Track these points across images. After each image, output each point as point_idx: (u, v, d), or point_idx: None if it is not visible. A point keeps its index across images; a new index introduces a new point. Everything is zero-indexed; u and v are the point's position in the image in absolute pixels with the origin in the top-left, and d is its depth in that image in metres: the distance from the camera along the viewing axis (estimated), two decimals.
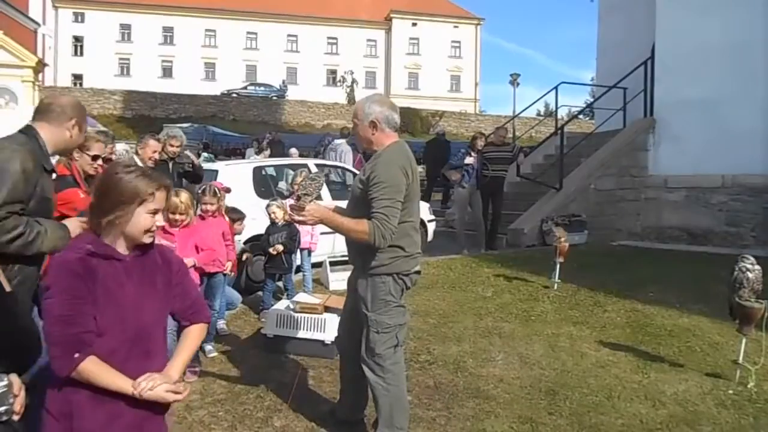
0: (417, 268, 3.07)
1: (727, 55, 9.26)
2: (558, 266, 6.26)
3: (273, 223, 5.58)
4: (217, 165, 8.08)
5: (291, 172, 7.70)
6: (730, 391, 3.81)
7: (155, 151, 5.30)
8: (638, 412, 3.55)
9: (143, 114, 34.35)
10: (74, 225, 2.50)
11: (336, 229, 2.95)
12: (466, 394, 3.80)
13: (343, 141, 11.55)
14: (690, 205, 9.83)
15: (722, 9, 9.46)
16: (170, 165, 5.86)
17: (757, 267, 3.91)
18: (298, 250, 5.88)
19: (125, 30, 50.93)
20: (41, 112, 2.56)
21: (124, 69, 50.73)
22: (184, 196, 4.09)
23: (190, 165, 6.16)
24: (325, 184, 7.65)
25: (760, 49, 9.07)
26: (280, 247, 5.40)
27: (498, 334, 4.93)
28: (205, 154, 16.87)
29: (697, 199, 9.76)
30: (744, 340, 3.94)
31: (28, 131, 2.50)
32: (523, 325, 5.18)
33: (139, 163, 5.20)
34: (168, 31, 51.77)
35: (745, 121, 9.07)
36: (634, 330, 5.08)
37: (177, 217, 4.02)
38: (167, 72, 51.28)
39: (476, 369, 4.20)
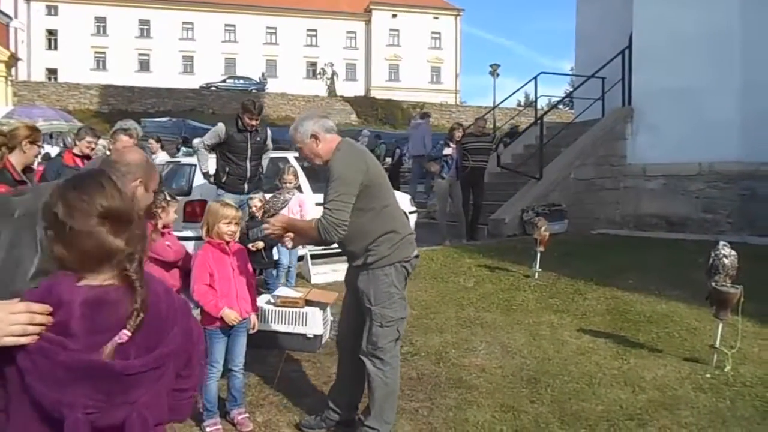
0: (416, 253, 3.11)
1: (703, 44, 9.36)
2: (538, 255, 6.31)
3: (252, 217, 5.50)
4: (196, 159, 7.97)
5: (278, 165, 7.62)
6: (708, 375, 3.87)
7: (126, 147, 5.18)
8: (618, 397, 3.59)
9: (120, 109, 33.82)
10: None
11: (297, 233, 3.07)
12: (449, 384, 3.82)
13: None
14: (667, 193, 9.95)
15: None
16: None
17: (733, 253, 3.97)
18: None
19: (100, 23, 50.10)
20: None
21: (100, 63, 49.95)
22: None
23: None
24: (305, 177, 7.63)
25: (737, 39, 9.18)
26: (261, 244, 5.30)
27: (480, 324, 4.96)
28: (184, 148, 16.69)
29: (674, 187, 9.89)
30: (720, 325, 4.01)
31: None
32: (505, 315, 5.21)
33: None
34: (144, 24, 51.04)
35: (721, 110, 9.18)
36: (614, 317, 5.14)
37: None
38: (144, 66, 50.59)
39: (458, 359, 4.22)
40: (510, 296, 5.76)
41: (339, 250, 6.96)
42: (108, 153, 5.19)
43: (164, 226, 3.74)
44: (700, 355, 4.19)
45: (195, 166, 7.08)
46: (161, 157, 9.73)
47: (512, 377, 3.91)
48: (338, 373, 3.38)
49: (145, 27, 51.04)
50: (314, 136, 2.98)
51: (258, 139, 6.15)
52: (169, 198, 3.82)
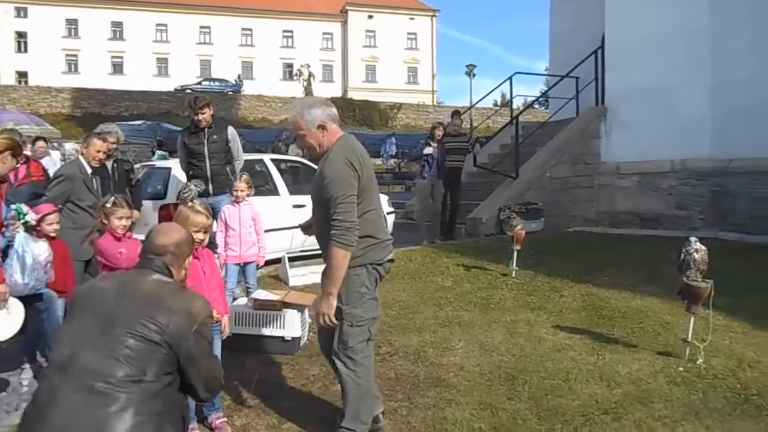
0: (390, 257, 3.10)
1: (674, 43, 9.53)
2: (515, 254, 6.36)
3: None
4: (171, 162, 7.89)
5: (254, 168, 7.54)
6: (681, 369, 3.94)
7: (99, 151, 5.11)
8: (594, 392, 3.64)
9: (94, 112, 33.35)
10: None
11: (337, 279, 2.85)
12: (427, 383, 3.83)
13: None
14: (641, 190, 10.11)
15: None
16: (110, 165, 5.62)
17: (703, 248, 4.05)
18: (245, 264, 5.37)
19: (72, 25, 49.34)
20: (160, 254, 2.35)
21: (72, 66, 49.18)
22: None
23: (128, 167, 5.99)
24: (281, 180, 7.60)
25: (707, 38, 9.35)
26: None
27: (458, 323, 4.98)
28: (159, 152, 16.51)
29: (647, 184, 10.05)
30: (692, 319, 4.08)
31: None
32: (483, 313, 5.25)
33: (84, 164, 5.03)
34: (117, 26, 50.39)
35: (693, 108, 9.36)
36: (590, 313, 5.20)
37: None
38: (118, 68, 49.93)
39: (437, 358, 4.24)
40: (488, 295, 5.80)
41: (317, 252, 6.95)
42: (81, 156, 5.12)
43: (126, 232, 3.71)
44: (673, 348, 4.26)
45: (170, 169, 7.03)
46: (53, 157, 10.17)
47: (490, 375, 3.93)
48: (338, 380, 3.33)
49: (118, 29, 50.38)
50: (322, 126, 2.93)
51: (215, 137, 5.96)
52: (116, 201, 3.76)
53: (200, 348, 2.15)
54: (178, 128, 25.11)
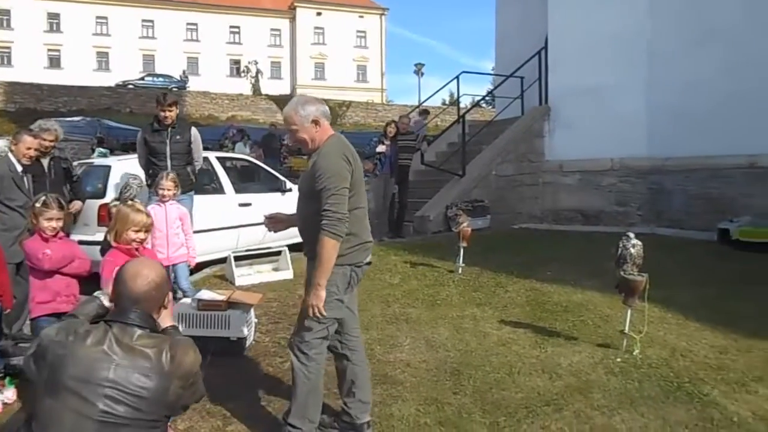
0: (368, 259, 3.14)
1: (613, 45, 9.86)
2: (462, 251, 6.45)
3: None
4: (110, 160, 7.64)
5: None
6: (618, 359, 4.08)
7: (29, 148, 4.89)
8: (536, 385, 3.73)
9: (28, 107, 31.81)
10: None
11: (326, 271, 2.86)
12: (374, 380, 3.82)
13: None
14: (583, 187, 10.42)
15: (608, 2, 10.07)
16: (46, 162, 5.40)
17: (639, 243, 4.21)
18: (173, 266, 5.18)
19: (4, 16, 47.10)
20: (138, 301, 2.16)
21: (5, 58, 46.93)
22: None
23: (66, 164, 5.78)
24: (227, 178, 7.47)
25: (643, 40, 9.72)
26: None
27: (405, 320, 5.02)
28: (99, 149, 15.96)
29: (589, 181, 10.36)
30: (629, 311, 4.24)
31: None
32: (429, 310, 5.30)
33: (14, 161, 4.81)
34: (54, 17, 48.36)
35: (630, 109, 9.71)
36: (533, 308, 5.33)
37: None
38: (54, 62, 47.98)
39: (384, 355, 4.26)
40: (434, 291, 5.86)
41: (263, 252, 6.86)
42: (10, 154, 4.89)
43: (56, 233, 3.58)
44: (611, 340, 4.41)
45: (110, 167, 6.81)
46: None
47: (436, 371, 3.98)
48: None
49: (55, 21, 48.38)
50: (316, 122, 2.97)
51: (178, 137, 5.93)
52: (46, 202, 3.62)
53: (195, 397, 2.16)
54: (120, 125, 24.46)
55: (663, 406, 3.44)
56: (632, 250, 4.14)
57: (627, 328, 4.23)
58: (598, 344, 4.38)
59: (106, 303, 2.29)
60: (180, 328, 3.82)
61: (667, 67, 9.39)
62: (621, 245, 4.22)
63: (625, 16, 9.86)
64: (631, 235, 4.25)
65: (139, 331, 2.05)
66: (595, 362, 4.07)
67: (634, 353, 4.13)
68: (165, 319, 2.26)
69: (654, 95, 9.55)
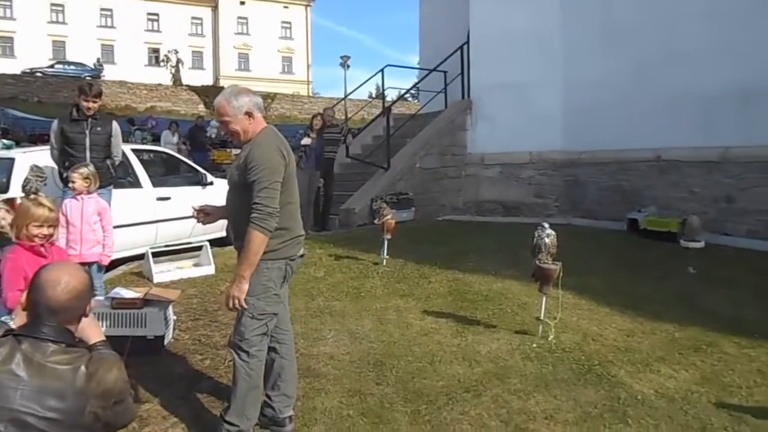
0: (301, 252, 3.12)
1: (530, 42, 10.19)
2: (386, 243, 6.51)
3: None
4: (14, 153, 7.17)
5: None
6: (534, 345, 4.25)
7: None
8: (457, 372, 3.83)
9: None
10: None
11: (252, 264, 2.82)
12: (298, 374, 3.79)
13: None
14: (504, 180, 10.74)
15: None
16: None
17: (553, 233, 4.38)
18: (86, 265, 4.76)
19: None
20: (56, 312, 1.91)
21: None
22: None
23: None
24: (144, 171, 7.18)
25: (558, 38, 10.11)
26: None
27: (329, 313, 5.01)
28: (3, 141, 14.95)
29: (509, 174, 10.69)
30: (544, 299, 4.41)
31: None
32: (354, 302, 5.31)
33: None
34: None
35: (547, 104, 10.09)
36: (455, 298, 5.45)
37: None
38: None
39: (307, 349, 4.23)
40: (359, 284, 5.88)
41: (182, 248, 6.64)
42: None
43: None
44: (528, 327, 4.58)
45: (13, 160, 6.39)
46: None
47: (359, 362, 4.00)
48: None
49: None
50: (249, 113, 2.93)
51: (99, 129, 5.68)
52: None
53: (122, 419, 1.97)
54: (28, 115, 22.97)
55: (575, 388, 3.61)
56: (546, 240, 4.31)
57: (543, 314, 4.40)
58: (516, 331, 4.54)
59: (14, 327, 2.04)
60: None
61: (580, 64, 9.80)
62: (536, 235, 4.38)
63: (539, 12, 10.22)
64: (546, 225, 4.42)
65: (53, 347, 1.82)
66: (513, 348, 4.22)
67: (549, 339, 4.31)
68: (92, 334, 2.07)
69: (568, 91, 9.97)
